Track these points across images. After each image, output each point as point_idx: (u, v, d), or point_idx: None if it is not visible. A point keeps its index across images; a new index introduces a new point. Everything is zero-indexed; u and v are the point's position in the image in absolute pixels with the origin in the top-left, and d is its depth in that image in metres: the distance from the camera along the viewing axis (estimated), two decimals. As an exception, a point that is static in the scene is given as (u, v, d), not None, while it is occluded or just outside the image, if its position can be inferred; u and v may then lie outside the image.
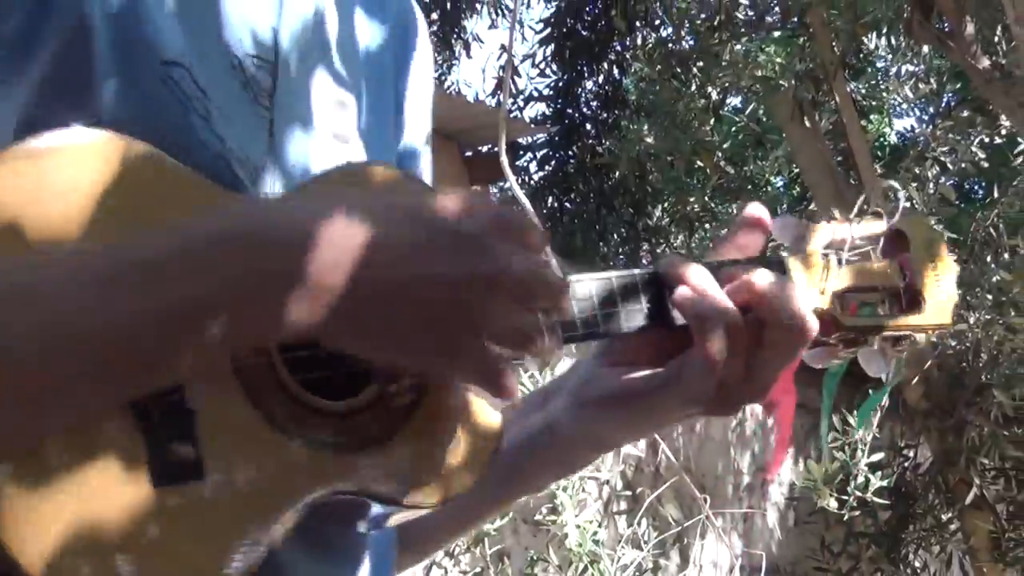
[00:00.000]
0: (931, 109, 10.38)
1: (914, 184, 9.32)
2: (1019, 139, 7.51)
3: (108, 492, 1.17)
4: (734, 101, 11.74)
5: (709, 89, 10.47)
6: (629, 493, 7.71)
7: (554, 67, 13.07)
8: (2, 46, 1.22)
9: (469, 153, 9.87)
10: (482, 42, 17.53)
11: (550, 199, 13.33)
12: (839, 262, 1.49)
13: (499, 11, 12.54)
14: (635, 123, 11.79)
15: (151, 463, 1.18)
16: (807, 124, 9.38)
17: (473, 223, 1.22)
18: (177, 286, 1.14)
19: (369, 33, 1.57)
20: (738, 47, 9.59)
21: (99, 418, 1.17)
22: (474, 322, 1.20)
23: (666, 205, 13.68)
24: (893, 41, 9.34)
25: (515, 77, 12.66)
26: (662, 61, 10.81)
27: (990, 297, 7.65)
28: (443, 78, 13.22)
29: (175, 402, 1.19)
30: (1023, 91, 5.61)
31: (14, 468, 1.14)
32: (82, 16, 1.24)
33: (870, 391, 7.33)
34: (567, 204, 13.25)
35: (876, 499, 7.64)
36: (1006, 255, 7.51)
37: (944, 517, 9.43)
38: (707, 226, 13.96)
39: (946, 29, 6.59)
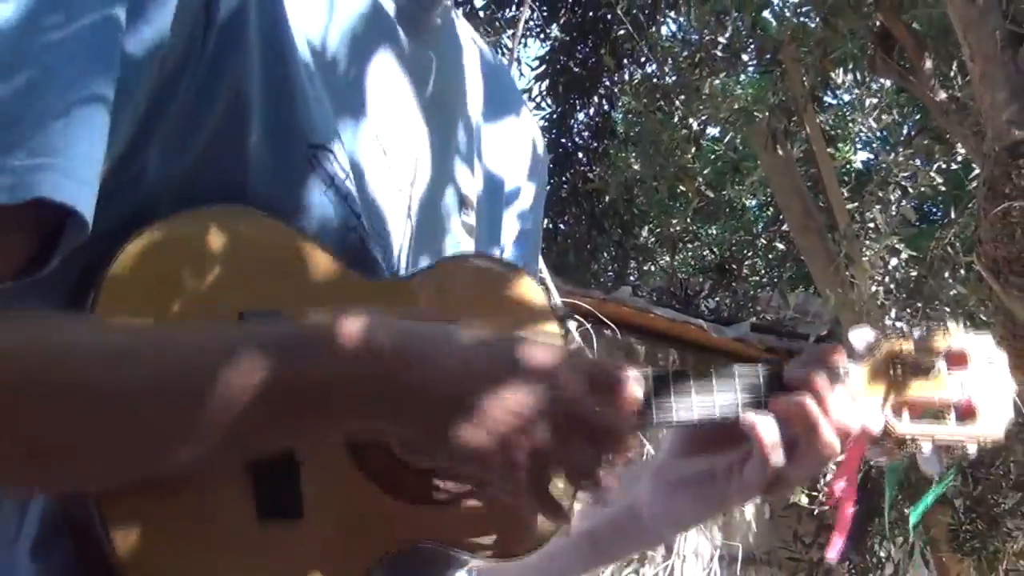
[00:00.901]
0: (893, 138, 10.38)
1: (878, 207, 9.32)
2: (973, 165, 7.50)
3: (213, 519, 1.19)
4: (713, 131, 11.74)
5: (690, 120, 10.47)
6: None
7: (549, 100, 13.08)
8: (176, 119, 1.22)
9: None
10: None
11: (545, 221, 13.30)
12: (903, 374, 1.53)
13: (499, 50, 12.54)
14: (623, 151, 11.82)
15: (258, 498, 1.21)
16: (780, 152, 9.38)
17: (572, 377, 1.23)
18: (296, 374, 1.16)
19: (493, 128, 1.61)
20: (716, 82, 9.62)
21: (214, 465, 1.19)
22: (541, 453, 1.21)
23: (651, 226, 13.69)
24: (858, 76, 9.34)
25: (513, 110, 12.65)
26: (647, 95, 10.83)
27: (948, 309, 7.65)
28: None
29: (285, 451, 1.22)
30: (977, 121, 5.62)
31: (131, 494, 1.15)
32: (239, 93, 1.24)
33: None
34: (561, 225, 13.24)
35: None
36: (962, 271, 7.51)
37: (906, 511, 9.41)
38: (689, 245, 13.96)
39: (906, 65, 6.60)
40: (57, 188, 1.09)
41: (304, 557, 1.23)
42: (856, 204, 9.60)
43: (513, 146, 1.65)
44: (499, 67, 1.68)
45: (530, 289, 1.43)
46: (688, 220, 12.99)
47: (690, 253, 14.11)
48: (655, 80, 10.87)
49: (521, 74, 12.76)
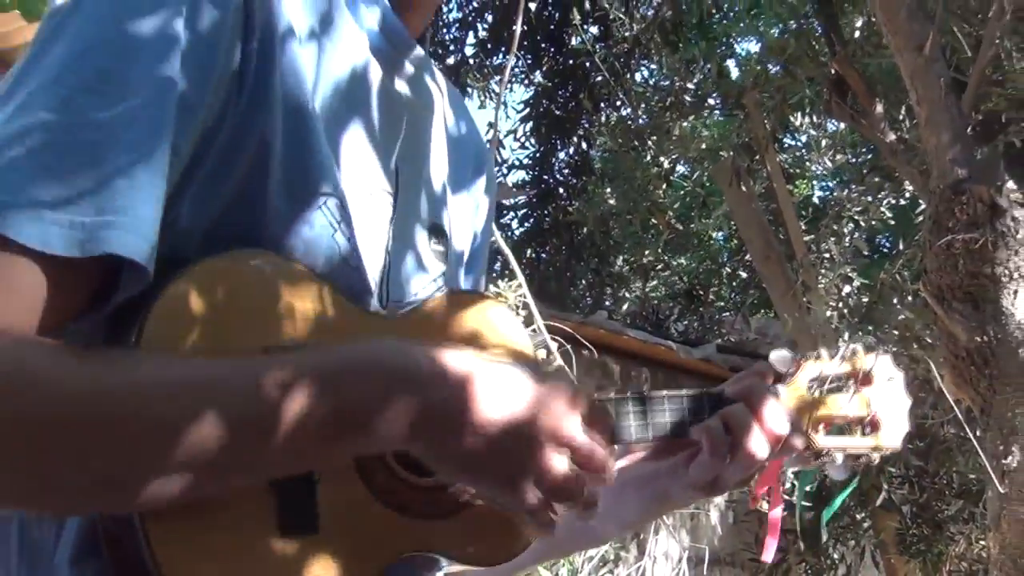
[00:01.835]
0: (846, 176, 10.39)
1: (832, 239, 9.34)
2: (920, 201, 7.52)
3: (241, 533, 1.22)
4: (682, 169, 11.74)
5: (661, 159, 10.49)
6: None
7: (532, 140, 13.11)
8: (209, 173, 1.24)
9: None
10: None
11: (529, 251, 13.33)
12: (818, 393, 1.59)
13: (487, 94, 12.56)
14: (600, 187, 11.81)
15: (280, 515, 1.23)
16: (743, 188, 9.40)
17: (560, 403, 1.27)
18: (336, 400, 1.17)
19: (458, 156, 1.62)
20: (685, 124, 9.63)
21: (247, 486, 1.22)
22: (537, 474, 1.25)
23: (626, 256, 13.69)
24: (814, 119, 9.37)
25: (500, 149, 12.69)
26: (622, 135, 10.84)
27: (896, 332, 7.66)
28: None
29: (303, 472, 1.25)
30: (923, 161, 5.63)
31: (168, 510, 1.17)
32: (263, 146, 1.26)
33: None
34: (543, 255, 13.25)
35: (801, 502, 7.64)
36: (909, 298, 7.52)
37: (858, 517, 9.42)
38: (660, 274, 13.96)
39: (859, 109, 6.61)
40: (123, 244, 1.12)
41: (318, 569, 1.25)
42: (812, 236, 9.62)
43: (476, 171, 1.67)
44: (464, 106, 1.70)
45: (508, 319, 1.46)
46: (659, 250, 12.98)
47: (661, 280, 14.09)
48: (629, 122, 10.88)
49: (507, 116, 12.80)
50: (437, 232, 1.51)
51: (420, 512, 1.32)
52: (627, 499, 1.60)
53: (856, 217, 9.65)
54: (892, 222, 9.43)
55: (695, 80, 9.49)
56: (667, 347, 9.40)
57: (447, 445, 1.22)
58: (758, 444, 1.50)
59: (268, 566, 1.23)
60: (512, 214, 13.70)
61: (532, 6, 12.45)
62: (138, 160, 1.14)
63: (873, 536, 9.40)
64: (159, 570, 1.16)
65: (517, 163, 13.51)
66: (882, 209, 9.43)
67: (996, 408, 5.04)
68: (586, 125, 13.09)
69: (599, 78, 11.53)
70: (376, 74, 1.43)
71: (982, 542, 8.09)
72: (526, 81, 13.17)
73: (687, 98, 9.46)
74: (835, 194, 10.66)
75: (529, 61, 13.01)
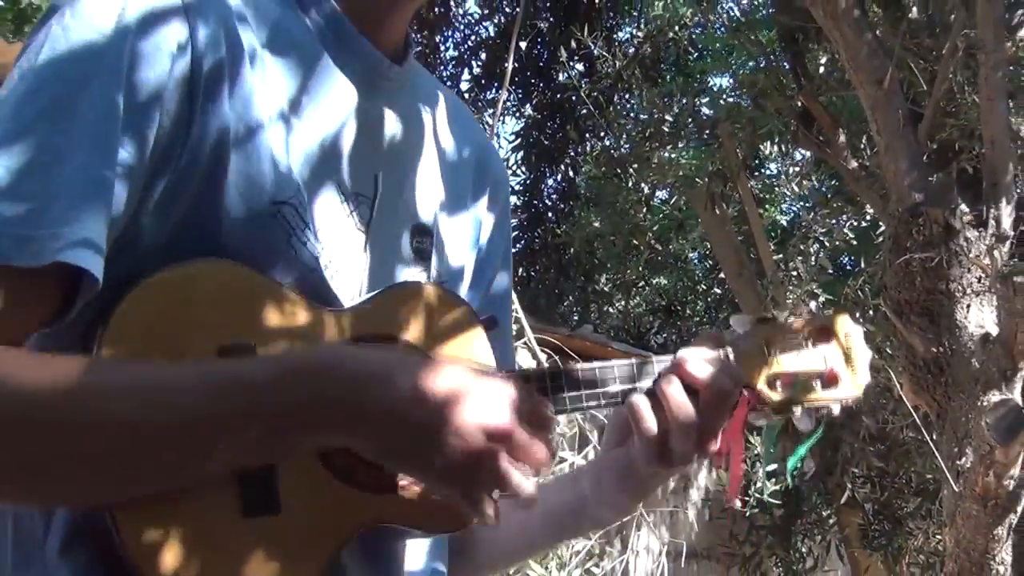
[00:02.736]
0: (812, 200, 10.39)
1: (799, 258, 9.34)
2: (880, 223, 7.52)
3: (207, 517, 1.23)
4: (661, 194, 11.75)
5: (642, 185, 10.50)
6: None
7: (523, 168, 13.11)
8: (166, 189, 1.25)
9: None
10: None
11: (520, 270, 13.32)
12: (775, 351, 1.56)
13: (482, 126, 12.54)
14: (585, 211, 11.79)
15: (243, 498, 1.24)
16: (717, 212, 9.40)
17: (498, 398, 1.26)
18: (269, 400, 1.20)
19: (455, 165, 1.59)
20: (664, 153, 9.63)
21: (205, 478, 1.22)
22: (472, 468, 1.24)
23: (609, 274, 13.68)
24: (783, 148, 9.38)
25: (493, 176, 12.67)
26: (606, 164, 10.83)
27: (859, 344, 7.64)
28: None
29: None
30: (883, 186, 5.64)
31: (140, 502, 1.19)
32: (218, 159, 1.27)
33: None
34: (533, 273, 13.24)
35: (771, 500, 7.63)
36: (871, 312, 7.50)
37: (824, 514, 9.41)
38: (641, 291, 13.95)
39: (823, 139, 6.62)
40: (71, 253, 1.14)
41: (283, 545, 1.25)
42: (781, 255, 9.62)
43: (478, 185, 1.64)
44: (466, 116, 1.68)
45: (460, 311, 1.44)
46: (640, 269, 12.97)
47: (642, 297, 14.08)
48: (612, 151, 10.87)
49: (500, 146, 12.74)
50: (421, 233, 1.49)
51: (377, 487, 1.31)
52: (607, 483, 1.57)
53: (821, 238, 9.66)
54: (854, 243, 9.42)
55: (672, 113, 9.47)
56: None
57: (382, 441, 1.22)
58: (678, 400, 1.43)
59: (235, 546, 1.23)
60: (505, 236, 13.66)
61: (523, 45, 12.46)
62: (85, 179, 1.16)
63: (838, 531, 9.40)
64: (130, 557, 1.18)
65: (509, 189, 13.48)
66: (845, 231, 9.42)
67: (951, 413, 5.05)
68: (572, 154, 13.09)
69: (584, 111, 11.53)
70: (344, 87, 1.41)
71: (938, 537, 8.08)
72: (517, 114, 13.20)
73: (665, 129, 9.45)
74: (802, 217, 10.66)
75: (520, 95, 13.03)
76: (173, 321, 1.23)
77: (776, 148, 9.48)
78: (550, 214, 13.36)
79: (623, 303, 13.88)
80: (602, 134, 11.73)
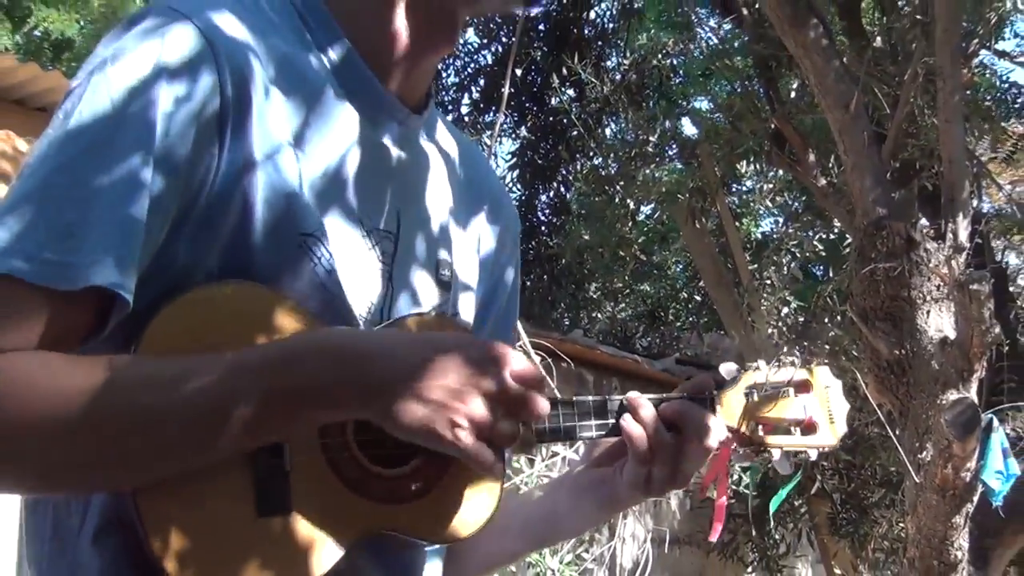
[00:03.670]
0: (785, 215, 10.41)
1: (773, 268, 9.35)
2: (847, 236, 7.53)
3: (223, 515, 1.25)
4: (646, 209, 11.75)
5: (628, 201, 10.48)
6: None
7: (519, 186, 13.10)
8: (199, 220, 1.27)
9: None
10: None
11: (516, 279, 13.31)
12: (758, 399, 1.56)
13: (480, 147, 12.56)
14: (576, 225, 11.79)
15: (257, 499, 1.25)
16: (697, 226, 9.40)
17: (493, 362, 1.27)
18: (279, 379, 1.21)
19: (474, 217, 1.60)
20: (648, 171, 9.63)
21: (220, 464, 1.24)
22: (474, 423, 1.25)
23: (598, 283, 13.67)
24: (758, 167, 9.38)
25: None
26: (595, 181, 10.85)
27: (827, 347, 7.66)
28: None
29: (278, 463, 1.26)
30: (849, 202, 5.65)
31: (162, 496, 1.21)
32: (246, 195, 1.28)
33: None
34: (527, 283, 13.22)
35: (747, 491, 7.62)
36: (839, 318, 7.51)
37: (796, 503, 9.40)
38: (627, 298, 13.95)
39: (795, 158, 6.63)
40: (103, 276, 1.17)
41: (292, 544, 1.27)
42: (756, 265, 9.62)
43: (492, 219, 1.64)
44: (482, 162, 1.68)
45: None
46: (627, 278, 12.95)
47: (628, 304, 14.08)
48: (601, 170, 10.88)
49: (497, 165, 12.76)
50: (441, 267, 1.49)
51: (386, 499, 1.32)
52: (585, 501, 1.58)
53: (793, 249, 9.68)
54: (823, 254, 9.44)
55: (656, 134, 9.48)
56: (634, 360, 9.43)
57: (390, 408, 1.23)
58: (661, 435, 1.46)
59: (249, 542, 1.24)
60: (502, 248, 13.65)
61: (518, 72, 12.48)
62: (121, 215, 1.20)
63: (809, 520, 9.39)
64: (152, 550, 1.20)
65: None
66: (815, 243, 9.45)
67: (912, 411, 5.05)
68: (564, 172, 13.10)
69: (575, 133, 11.52)
70: (363, 129, 1.41)
71: (901, 524, 8.08)
72: (513, 135, 13.19)
73: (649, 149, 9.45)
74: (775, 230, 10.67)
75: (516, 118, 13.02)
76: (202, 337, 1.24)
77: (751, 167, 9.49)
78: (543, 228, 13.37)
79: (611, 309, 13.89)
80: (591, 154, 11.74)
